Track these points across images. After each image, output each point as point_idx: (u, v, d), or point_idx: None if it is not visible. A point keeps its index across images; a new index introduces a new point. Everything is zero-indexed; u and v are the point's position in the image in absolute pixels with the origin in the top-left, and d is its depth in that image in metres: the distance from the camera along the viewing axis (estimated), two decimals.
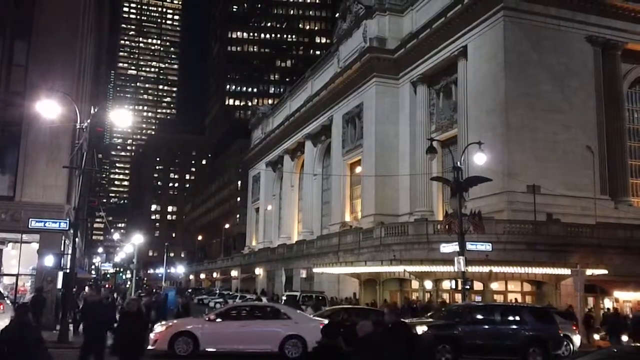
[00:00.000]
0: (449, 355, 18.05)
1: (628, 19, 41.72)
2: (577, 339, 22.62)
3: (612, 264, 31.97)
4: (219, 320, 18.23)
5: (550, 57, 39.50)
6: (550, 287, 32.74)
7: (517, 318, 19.68)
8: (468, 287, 25.44)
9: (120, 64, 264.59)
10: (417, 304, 31.23)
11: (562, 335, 22.33)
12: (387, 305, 18.98)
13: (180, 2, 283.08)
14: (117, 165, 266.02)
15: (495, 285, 33.10)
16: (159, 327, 18.45)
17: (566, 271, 29.73)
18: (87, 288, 38.47)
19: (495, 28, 39.28)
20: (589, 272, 29.45)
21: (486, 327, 19.16)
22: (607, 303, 33.64)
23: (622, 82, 42.71)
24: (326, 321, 18.91)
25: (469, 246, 25.23)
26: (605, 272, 30.96)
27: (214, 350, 17.46)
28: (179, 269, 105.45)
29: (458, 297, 30.43)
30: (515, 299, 33.03)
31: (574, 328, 23.06)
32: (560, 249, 33.05)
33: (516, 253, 32.43)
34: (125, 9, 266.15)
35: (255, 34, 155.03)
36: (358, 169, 53.73)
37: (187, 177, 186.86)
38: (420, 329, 18.35)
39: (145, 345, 10.36)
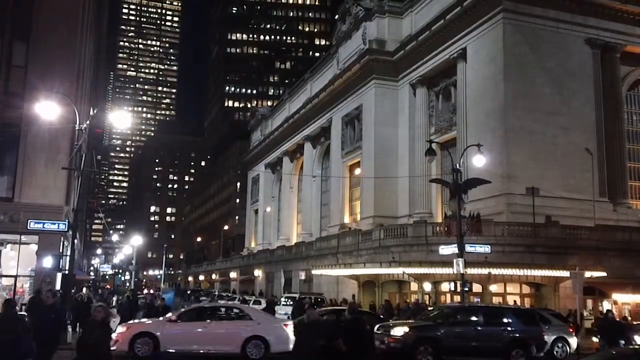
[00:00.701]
0: (430, 357, 17.86)
1: (627, 22, 41.81)
2: (573, 341, 22.51)
3: (610, 266, 31.99)
4: (179, 321, 18.04)
5: (549, 60, 39.55)
6: (549, 289, 32.74)
7: (500, 319, 19.47)
8: (467, 289, 25.45)
9: (120, 66, 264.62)
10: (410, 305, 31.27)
11: (560, 337, 22.37)
12: (350, 303, 18.63)
13: (179, 4, 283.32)
14: (116, 166, 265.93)
15: (494, 288, 33.09)
16: (120, 328, 18.38)
17: (565, 273, 29.73)
18: (84, 289, 38.47)
19: (494, 30, 39.33)
20: (587, 274, 29.44)
21: (468, 328, 18.87)
22: (606, 305, 33.64)
23: (621, 85, 42.77)
24: (289, 322, 18.97)
25: (468, 248, 25.23)
26: (604, 274, 30.98)
27: (175, 351, 17.27)
28: (179, 270, 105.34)
29: (457, 299, 30.45)
30: (515, 301, 33.05)
31: (571, 330, 23.02)
32: (559, 251, 33.10)
33: (515, 255, 32.45)
34: (125, 10, 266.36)
35: (255, 36, 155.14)
36: (357, 171, 53.73)
37: (186, 178, 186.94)
38: (401, 330, 18.29)
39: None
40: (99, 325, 8.72)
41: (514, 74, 38.63)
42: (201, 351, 17.52)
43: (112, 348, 16.66)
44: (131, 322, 20.14)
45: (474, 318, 19.30)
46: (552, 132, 38.72)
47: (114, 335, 17.21)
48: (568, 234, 34.11)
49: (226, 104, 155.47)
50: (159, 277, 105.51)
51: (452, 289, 28.39)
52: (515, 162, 37.50)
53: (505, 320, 19.37)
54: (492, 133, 38.21)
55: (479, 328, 18.74)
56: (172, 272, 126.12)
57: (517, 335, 18.91)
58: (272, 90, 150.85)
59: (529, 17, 39.23)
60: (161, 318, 19.42)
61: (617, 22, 41.54)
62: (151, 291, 51.38)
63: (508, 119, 38.05)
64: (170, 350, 17.27)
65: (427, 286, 33.97)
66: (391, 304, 32.96)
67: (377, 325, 19.19)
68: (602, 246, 33.63)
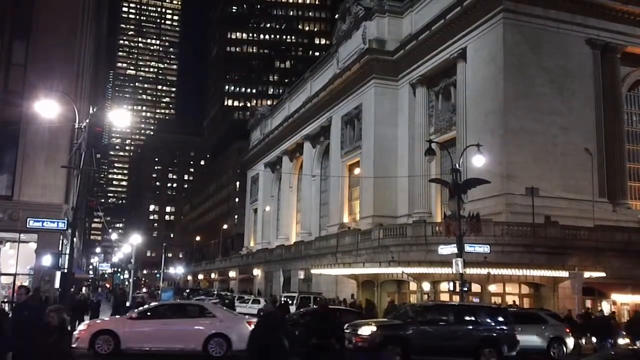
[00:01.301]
0: (398, 356, 17.47)
1: (627, 22, 41.80)
2: (570, 341, 22.38)
3: (610, 266, 31.99)
4: (141, 318, 17.95)
5: (549, 60, 39.54)
6: (548, 289, 32.73)
7: (471, 318, 19.10)
8: (466, 289, 25.45)
9: (119, 64, 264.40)
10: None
11: (556, 337, 22.13)
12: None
13: (179, 3, 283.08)
14: (116, 165, 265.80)
15: (493, 288, 33.09)
16: (81, 326, 18.33)
17: (564, 274, 29.75)
18: (84, 288, 38.45)
19: (494, 30, 39.32)
20: (586, 274, 29.48)
21: (438, 327, 18.51)
22: (605, 306, 33.66)
23: (621, 85, 42.77)
24: (252, 319, 18.98)
25: (467, 248, 25.25)
26: (603, 274, 30.99)
27: (136, 349, 17.18)
28: (178, 270, 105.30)
29: (456, 299, 30.45)
30: (514, 301, 33.05)
31: (567, 331, 22.90)
32: (558, 251, 33.09)
33: (514, 255, 32.45)
34: (125, 9, 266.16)
35: (255, 35, 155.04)
36: (357, 171, 53.73)
37: (186, 177, 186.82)
38: (369, 329, 17.93)
39: None
40: (54, 330, 8.04)
41: (514, 74, 38.62)
42: (162, 348, 17.39)
43: (72, 345, 16.67)
44: (92, 320, 20.07)
45: (444, 317, 18.97)
46: (552, 133, 38.72)
47: (75, 333, 17.19)
48: (567, 234, 34.10)
49: (226, 103, 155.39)
50: (158, 276, 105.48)
51: (451, 288, 28.39)
52: (515, 162, 37.50)
53: (476, 318, 19.04)
54: (492, 133, 38.21)
55: (450, 327, 18.38)
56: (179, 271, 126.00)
57: (488, 333, 18.57)
58: (272, 90, 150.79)
59: (529, 17, 39.21)
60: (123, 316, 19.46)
61: (618, 22, 41.53)
62: (144, 290, 51.33)
63: (508, 119, 38.05)
64: (131, 348, 17.15)
65: (426, 286, 33.96)
66: (395, 305, 32.77)
67: (346, 325, 18.90)
68: (602, 246, 33.61)
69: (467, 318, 19.12)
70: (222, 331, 17.52)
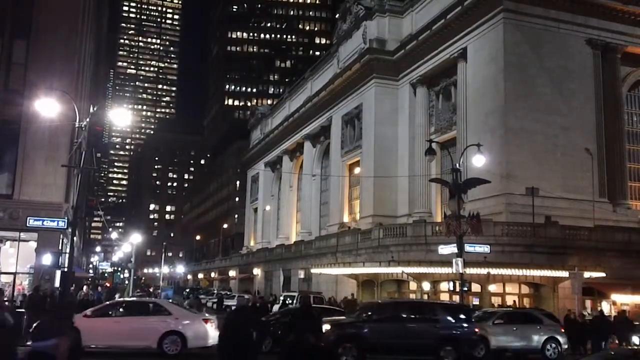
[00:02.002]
0: (353, 356, 16.99)
1: (628, 22, 41.76)
2: (564, 341, 22.18)
3: (610, 266, 31.99)
4: (95, 316, 17.86)
5: (549, 60, 39.53)
6: (548, 289, 32.74)
7: (430, 316, 18.61)
8: (466, 289, 25.47)
9: (120, 63, 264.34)
10: None
11: (551, 337, 21.84)
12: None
13: (180, 2, 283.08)
14: (116, 164, 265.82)
15: (493, 288, 33.12)
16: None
17: (564, 274, 29.75)
18: (85, 287, 38.47)
19: (495, 30, 39.31)
20: (586, 274, 29.46)
21: (395, 325, 17.97)
22: (605, 306, 33.65)
23: (622, 85, 42.74)
24: (212, 317, 18.78)
25: (467, 248, 25.23)
26: (603, 275, 31.00)
27: (90, 346, 17.00)
28: (179, 269, 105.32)
29: (456, 298, 30.45)
30: (514, 301, 33.07)
31: (562, 330, 22.74)
32: (558, 251, 33.09)
33: (514, 255, 32.46)
34: (125, 8, 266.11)
35: (255, 34, 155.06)
36: (357, 170, 53.72)
37: (186, 176, 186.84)
38: (323, 328, 17.28)
39: None
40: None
41: (515, 74, 38.61)
42: (117, 346, 17.35)
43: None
44: None
45: (401, 314, 18.55)
46: (552, 132, 38.71)
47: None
48: (567, 234, 34.09)
49: (226, 103, 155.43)
50: (157, 274, 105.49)
51: (451, 288, 28.38)
52: (515, 162, 37.50)
53: (435, 316, 18.54)
54: (492, 133, 38.20)
55: (407, 325, 17.86)
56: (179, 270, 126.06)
57: (447, 332, 18.09)
58: (272, 89, 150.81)
59: (529, 17, 39.19)
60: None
61: (618, 22, 41.49)
62: (137, 291, 51.20)
63: (508, 119, 38.05)
64: (87, 346, 16.78)
65: (426, 286, 33.99)
66: (356, 302, 32.46)
67: None
68: (602, 247, 33.60)
69: (426, 316, 18.64)
70: (177, 329, 17.40)
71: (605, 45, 41.35)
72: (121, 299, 25.24)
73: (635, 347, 21.34)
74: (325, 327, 17.21)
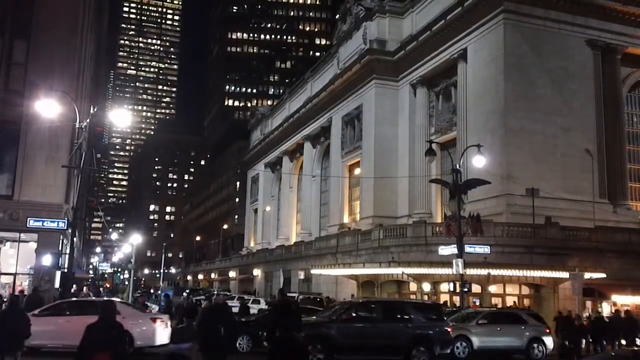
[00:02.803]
0: (321, 356, 16.60)
1: (628, 23, 41.77)
2: (549, 341, 21.72)
3: (610, 267, 31.95)
4: (42, 316, 17.70)
5: (550, 60, 39.52)
6: (548, 290, 32.70)
7: (401, 315, 18.12)
8: (466, 289, 25.45)
9: (120, 64, 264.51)
10: None
11: (536, 337, 21.31)
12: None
13: (180, 3, 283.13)
14: (116, 165, 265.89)
15: (493, 288, 33.08)
16: None
17: (564, 274, 29.70)
18: (85, 288, 38.46)
19: (495, 31, 39.31)
20: (587, 275, 29.38)
21: (365, 325, 17.55)
22: (605, 307, 33.62)
23: (622, 86, 42.74)
24: (162, 316, 18.86)
25: (468, 249, 25.25)
26: (603, 275, 30.95)
27: (37, 346, 16.93)
28: (172, 270, 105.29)
29: (457, 299, 30.44)
30: (514, 302, 33.04)
31: (547, 330, 22.34)
32: (558, 252, 33.06)
33: (514, 256, 32.42)
34: (125, 9, 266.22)
35: (255, 35, 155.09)
36: (357, 171, 53.72)
37: (186, 177, 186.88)
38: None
39: None
40: None
41: (515, 74, 38.61)
42: (61, 346, 17.24)
43: None
44: None
45: (372, 314, 18.10)
46: (552, 133, 38.70)
47: None
48: (568, 235, 34.06)
49: (226, 103, 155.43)
50: (157, 275, 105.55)
51: (452, 289, 28.38)
52: (515, 162, 37.48)
53: (406, 315, 18.06)
54: (492, 133, 38.19)
55: (377, 324, 17.37)
56: (172, 271, 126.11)
57: (420, 331, 17.60)
58: (272, 90, 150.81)
59: (529, 18, 39.20)
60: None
61: (618, 23, 41.51)
62: (137, 291, 51.17)
63: (508, 120, 38.04)
64: (33, 346, 16.82)
65: (427, 286, 33.95)
66: (330, 301, 32.07)
67: None
68: (602, 247, 33.58)
69: (397, 315, 18.21)
70: (125, 328, 17.51)
71: (606, 46, 41.35)
72: (84, 299, 25.10)
73: (636, 349, 21.29)
74: None
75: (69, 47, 26.95)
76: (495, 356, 21.36)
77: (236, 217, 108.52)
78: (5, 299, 21.34)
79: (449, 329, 18.33)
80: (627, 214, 39.55)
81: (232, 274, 76.96)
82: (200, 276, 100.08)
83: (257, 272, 65.28)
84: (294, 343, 7.31)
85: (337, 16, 61.04)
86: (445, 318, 18.95)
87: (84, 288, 37.80)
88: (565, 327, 22.95)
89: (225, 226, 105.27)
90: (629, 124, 43.62)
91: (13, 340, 12.12)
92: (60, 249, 25.03)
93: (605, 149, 40.53)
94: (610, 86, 41.40)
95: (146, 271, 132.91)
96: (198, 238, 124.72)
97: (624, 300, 33.48)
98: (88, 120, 22.03)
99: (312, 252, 49.51)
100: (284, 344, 7.30)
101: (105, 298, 25.24)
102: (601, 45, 41.17)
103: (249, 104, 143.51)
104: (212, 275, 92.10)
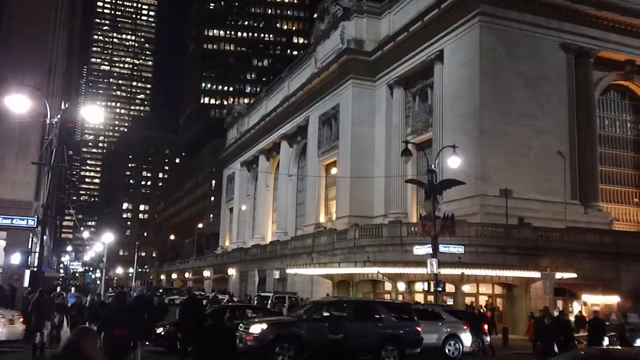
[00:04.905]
0: (290, 356, 16.49)
1: (601, 27, 42.48)
2: (466, 338, 21.08)
3: (581, 267, 32.53)
4: None
5: (524, 63, 40.03)
6: (520, 290, 33.15)
7: (371, 314, 18.14)
8: (440, 289, 25.64)
9: (93, 59, 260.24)
10: None
11: (451, 334, 20.75)
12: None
13: None
14: (88, 162, 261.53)
15: (466, 288, 33.42)
16: None
17: (536, 274, 30.14)
18: (58, 288, 37.71)
19: (471, 33, 39.68)
20: (558, 275, 29.89)
21: None
22: (576, 306, 34.21)
23: (594, 89, 43.49)
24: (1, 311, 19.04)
25: (442, 248, 25.40)
26: (574, 275, 31.50)
27: None
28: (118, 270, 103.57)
29: (430, 298, 30.66)
30: (487, 301, 33.40)
31: (465, 327, 21.56)
32: (530, 252, 33.52)
33: (488, 256, 32.78)
34: (99, 4, 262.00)
35: (232, 33, 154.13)
36: (333, 170, 53.76)
37: (160, 175, 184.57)
38: (259, 327, 16.80)
39: None
40: None
41: (490, 76, 39.02)
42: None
43: None
44: None
45: (342, 313, 17.94)
46: (526, 135, 39.21)
47: None
48: (540, 235, 34.55)
49: (202, 101, 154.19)
50: (130, 274, 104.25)
51: (426, 288, 28.61)
52: (490, 164, 37.89)
53: (376, 315, 18.06)
54: (467, 135, 38.54)
55: (347, 324, 17.08)
56: (146, 270, 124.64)
57: (390, 331, 17.65)
58: (249, 88, 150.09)
59: (505, 21, 39.65)
60: None
61: (592, 27, 42.20)
62: (108, 290, 50.38)
63: (483, 121, 38.43)
64: None
65: (401, 286, 34.14)
66: (299, 301, 31.37)
67: (241, 322, 17.79)
68: (573, 248, 34.13)
69: (367, 314, 18.21)
70: None
71: (579, 50, 42.03)
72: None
73: (605, 347, 21.68)
74: (262, 326, 16.87)
75: (41, 42, 26.42)
76: (410, 354, 20.74)
77: (211, 216, 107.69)
78: None
79: (419, 329, 18.26)
80: (598, 215, 40.28)
81: (206, 273, 76.38)
82: (174, 275, 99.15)
83: (232, 271, 64.88)
84: (224, 326, 7.52)
85: (315, 15, 61.02)
86: (415, 318, 18.78)
87: (57, 288, 37.09)
88: (537, 326, 23.18)
89: (200, 225, 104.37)
90: (600, 127, 44.42)
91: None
92: (29, 247, 24.52)
93: (577, 151, 41.21)
94: (583, 89, 42.10)
95: (119, 270, 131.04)
96: (172, 237, 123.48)
97: (595, 300, 34.13)
98: (59, 116, 21.56)
99: (287, 252, 49.39)
100: (216, 328, 7.46)
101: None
102: (574, 49, 41.84)
103: (225, 102, 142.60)
104: (187, 275, 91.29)
